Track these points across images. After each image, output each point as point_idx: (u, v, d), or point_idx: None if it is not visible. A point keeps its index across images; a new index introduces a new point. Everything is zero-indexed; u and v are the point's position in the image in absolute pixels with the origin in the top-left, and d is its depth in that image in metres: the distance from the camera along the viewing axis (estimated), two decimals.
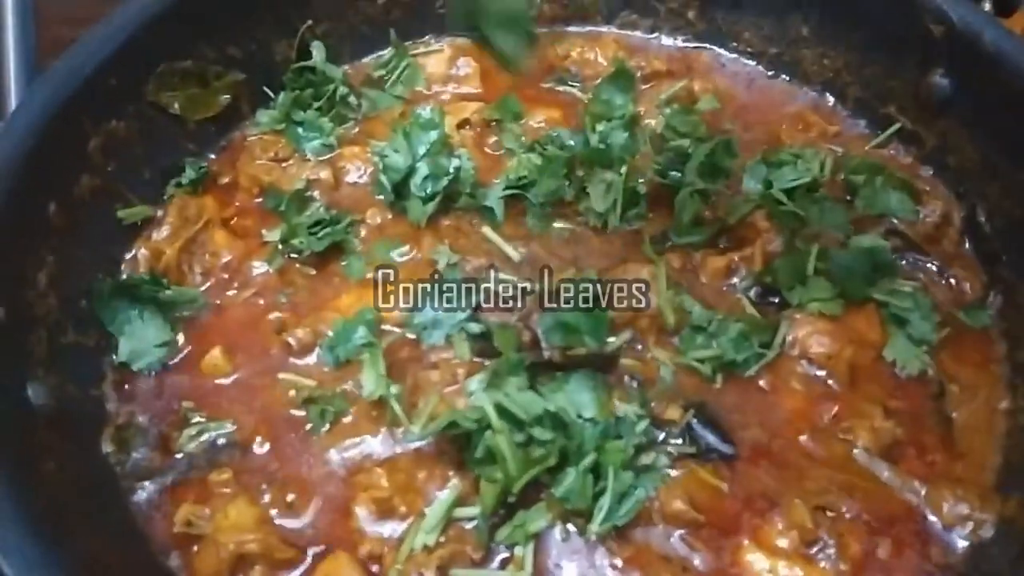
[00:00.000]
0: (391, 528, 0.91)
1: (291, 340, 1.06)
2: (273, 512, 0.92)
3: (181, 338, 1.08)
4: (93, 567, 0.75)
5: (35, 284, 0.98)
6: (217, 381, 1.05)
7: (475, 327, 1.02)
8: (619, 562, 0.89)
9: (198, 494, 0.94)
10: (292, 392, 1.02)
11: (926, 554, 0.90)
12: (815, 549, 0.90)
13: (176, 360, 1.07)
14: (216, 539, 0.88)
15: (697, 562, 0.89)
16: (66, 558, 0.72)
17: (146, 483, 0.95)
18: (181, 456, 0.98)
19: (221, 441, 0.99)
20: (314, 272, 1.15)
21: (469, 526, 0.90)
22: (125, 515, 0.92)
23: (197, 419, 1.00)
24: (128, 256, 1.14)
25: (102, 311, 1.07)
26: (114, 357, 1.05)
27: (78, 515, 0.83)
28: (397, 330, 1.06)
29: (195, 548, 0.90)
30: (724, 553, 0.90)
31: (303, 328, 1.07)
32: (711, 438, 0.97)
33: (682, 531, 0.91)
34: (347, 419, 1.00)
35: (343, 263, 1.15)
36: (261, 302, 1.12)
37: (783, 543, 0.90)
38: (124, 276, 1.13)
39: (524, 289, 1.09)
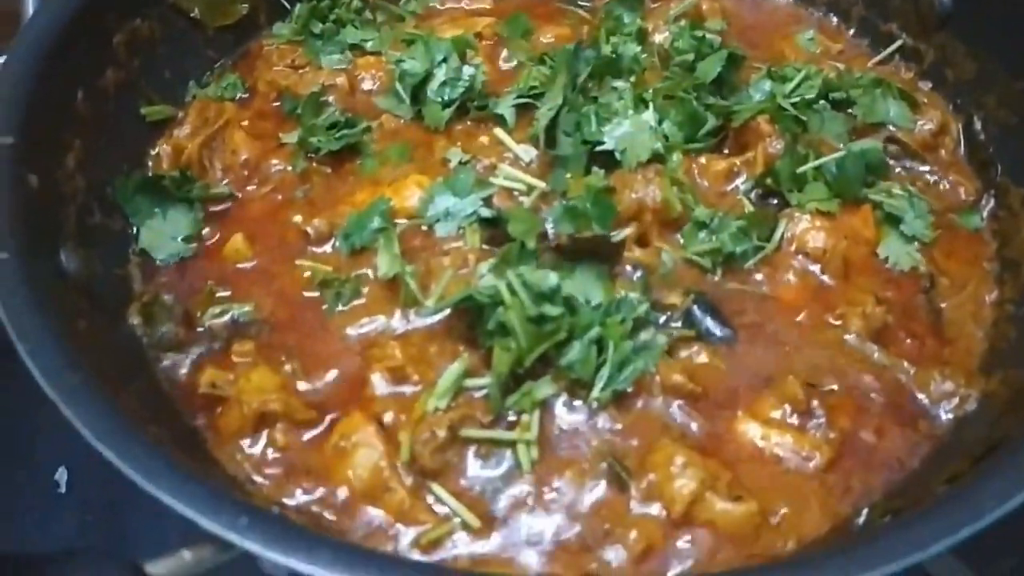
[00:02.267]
0: (404, 393, 0.95)
1: (309, 230, 1.11)
2: (293, 380, 0.97)
3: (205, 231, 1.13)
4: (125, 409, 0.80)
5: (64, 164, 1.03)
6: (238, 266, 1.09)
7: (487, 211, 1.06)
8: (620, 427, 0.94)
9: (221, 364, 0.99)
10: (308, 275, 1.07)
11: (914, 426, 0.95)
12: (806, 421, 0.95)
13: (198, 249, 1.12)
14: (239, 399, 0.93)
15: (695, 428, 0.94)
16: (100, 391, 0.77)
17: (171, 354, 1.00)
18: (204, 331, 1.03)
19: (243, 319, 1.04)
20: (330, 171, 1.19)
21: (478, 395, 0.95)
22: (151, 380, 0.97)
23: (221, 295, 1.05)
24: (153, 152, 1.20)
25: (126, 203, 1.11)
26: (136, 244, 1.10)
27: (109, 371, 0.87)
28: (410, 221, 1.11)
29: (219, 410, 0.95)
30: (719, 422, 0.94)
31: (320, 219, 1.12)
32: (710, 322, 1.02)
33: (680, 402, 0.95)
34: (360, 301, 1.05)
35: (358, 163, 1.20)
36: (279, 197, 1.17)
37: (776, 415, 0.95)
38: (149, 172, 1.18)
39: (534, 187, 1.13)
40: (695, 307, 1.02)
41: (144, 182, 1.13)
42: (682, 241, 1.09)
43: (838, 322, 1.03)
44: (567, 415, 0.95)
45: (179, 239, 1.12)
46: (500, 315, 0.94)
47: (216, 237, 1.13)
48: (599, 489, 0.89)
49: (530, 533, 0.87)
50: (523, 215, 1.04)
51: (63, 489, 1.27)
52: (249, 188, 1.18)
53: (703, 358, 0.99)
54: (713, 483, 0.87)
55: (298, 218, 1.13)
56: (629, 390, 0.95)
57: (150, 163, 1.19)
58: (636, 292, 1.03)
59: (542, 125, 1.17)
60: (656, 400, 0.96)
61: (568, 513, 0.87)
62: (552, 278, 0.93)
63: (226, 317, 1.04)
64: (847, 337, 1.02)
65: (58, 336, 0.79)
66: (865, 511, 0.88)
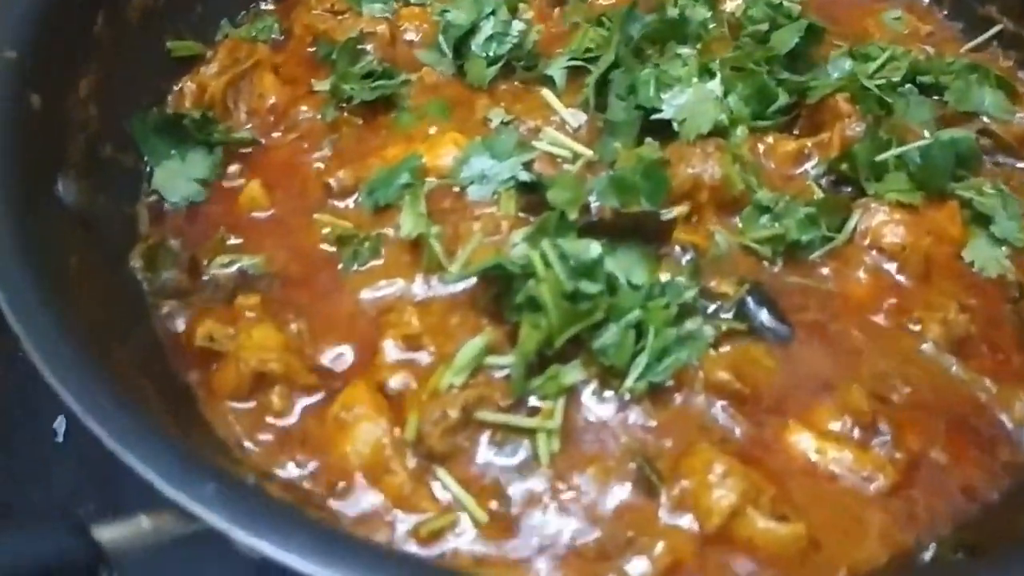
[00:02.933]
0: (418, 366, 0.86)
1: (332, 182, 1.02)
2: (298, 341, 0.88)
3: (222, 175, 1.05)
4: (105, 354, 0.72)
5: (76, 88, 0.95)
6: (253, 214, 1.01)
7: (527, 176, 0.96)
8: (653, 424, 0.83)
9: (222, 317, 0.90)
10: (326, 231, 0.99)
11: (993, 452, 0.83)
12: (869, 437, 0.83)
13: (212, 194, 1.04)
14: (238, 356, 0.85)
15: (738, 433, 0.83)
16: (74, 331, 0.69)
17: (172, 302, 0.93)
18: (209, 279, 0.95)
19: (252, 271, 0.95)
20: (361, 122, 1.10)
21: (498, 375, 0.85)
22: (147, 328, 0.89)
23: (232, 242, 0.97)
24: (175, 88, 1.12)
25: (142, 140, 1.04)
26: (147, 185, 1.03)
27: (96, 313, 0.80)
28: (441, 181, 1.01)
29: (214, 366, 0.87)
30: (767, 429, 0.83)
31: (345, 171, 1.03)
32: (765, 316, 0.91)
33: (724, 402, 0.84)
34: (379, 262, 0.95)
35: (392, 116, 1.11)
36: (305, 146, 1.08)
37: (834, 426, 0.83)
38: (169, 109, 1.11)
39: (580, 155, 1.03)
40: (749, 298, 0.91)
41: (163, 120, 1.06)
42: (740, 225, 0.98)
43: (914, 328, 0.91)
44: (595, 406, 0.84)
45: (194, 182, 1.05)
46: (531, 288, 0.84)
47: (233, 183, 1.05)
48: (624, 491, 0.79)
49: (543, 534, 0.76)
50: (567, 182, 0.94)
51: (60, 439, 1.20)
52: (274, 135, 1.09)
53: (754, 355, 0.88)
54: (756, 497, 0.76)
55: (321, 167, 1.05)
56: (668, 383, 0.84)
57: (171, 100, 1.12)
58: (683, 277, 0.92)
59: (593, 84, 1.06)
60: (697, 397, 0.85)
61: (587, 515, 0.77)
62: (594, 249, 0.83)
63: (234, 268, 0.96)
64: (923, 346, 0.90)
65: (38, 269, 0.71)
66: (932, 545, 0.76)
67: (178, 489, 0.55)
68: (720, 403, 0.85)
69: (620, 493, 0.78)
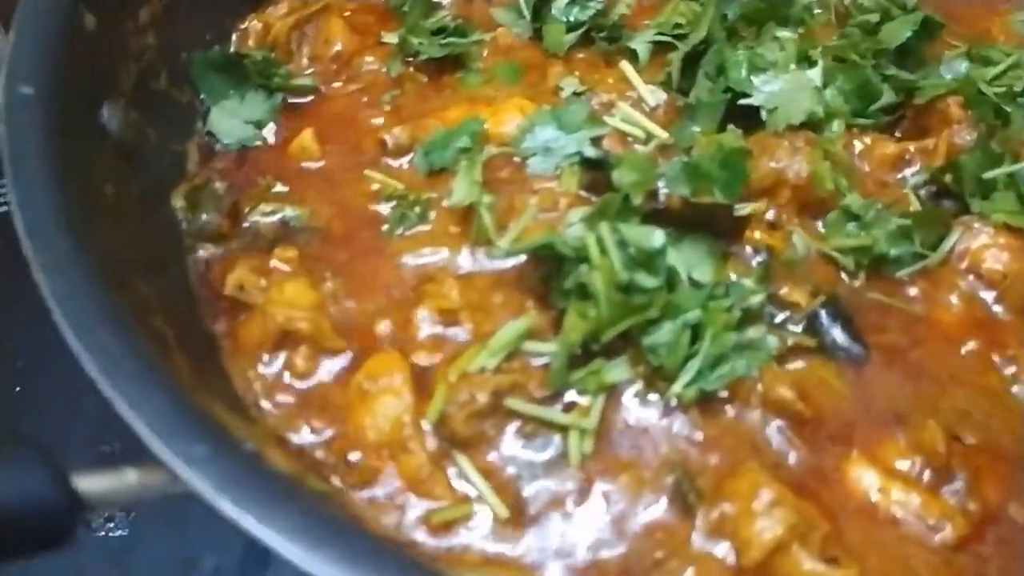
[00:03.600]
0: (451, 342, 0.80)
1: (388, 139, 0.97)
2: (331, 301, 0.84)
3: (275, 124, 1.01)
4: (119, 288, 0.68)
5: (136, 15, 0.91)
6: (303, 164, 0.97)
7: (593, 152, 0.89)
8: (699, 436, 0.76)
9: (258, 267, 0.86)
10: (376, 188, 0.93)
11: None
12: (941, 481, 0.74)
13: (264, 140, 1.00)
14: (266, 309, 0.80)
15: (793, 459, 0.75)
16: (94, 258, 0.65)
17: (208, 245, 0.89)
18: (249, 227, 0.91)
19: (293, 223, 0.91)
20: (426, 80, 1.04)
21: (536, 363, 0.79)
22: (179, 271, 0.86)
23: (277, 190, 0.92)
24: (240, 28, 1.08)
25: (201, 78, 1.00)
26: (201, 124, 0.99)
27: (124, 247, 0.76)
28: (502, 149, 0.95)
29: (242, 318, 0.83)
30: (827, 458, 0.75)
31: (403, 129, 0.97)
32: (838, 334, 0.82)
33: (782, 422, 0.76)
34: (426, 227, 0.90)
35: (458, 76, 1.04)
36: (364, 99, 1.03)
37: (903, 465, 0.74)
38: (232, 48, 1.07)
39: (653, 136, 0.95)
40: (823, 311, 0.82)
41: (224, 60, 1.02)
42: (822, 230, 0.89)
43: (1007, 366, 0.81)
44: (637, 408, 0.77)
45: (250, 126, 1.00)
46: (583, 274, 0.77)
47: (286, 131, 1.00)
48: (658, 507, 0.72)
49: (562, 540, 0.70)
50: (636, 163, 0.86)
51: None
52: (334, 84, 1.04)
53: (821, 375, 0.79)
54: (805, 533, 0.68)
55: (378, 122, 0.99)
56: (721, 394, 0.77)
57: (235, 40, 1.07)
58: (751, 280, 0.84)
59: (678, 61, 0.98)
60: (752, 413, 0.77)
61: (614, 527, 0.71)
62: (657, 238, 0.76)
63: (276, 217, 0.91)
64: (1014, 388, 0.80)
65: (66, 190, 0.68)
66: None
67: (165, 445, 0.51)
68: (777, 423, 0.76)
69: (653, 508, 0.71)
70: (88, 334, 0.56)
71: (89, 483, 0.53)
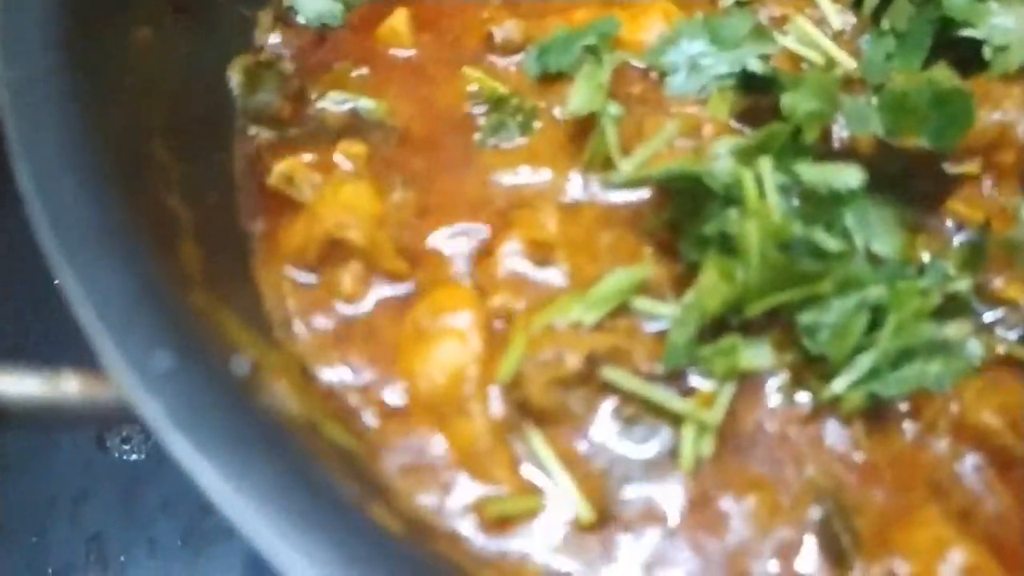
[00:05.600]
0: (539, 285, 0.62)
1: (496, 32, 0.78)
2: (397, 213, 0.66)
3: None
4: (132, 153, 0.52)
5: None
6: (391, 52, 0.79)
7: (761, 67, 0.68)
8: (858, 458, 0.55)
9: (316, 162, 0.70)
10: (472, 89, 0.75)
11: None
12: None
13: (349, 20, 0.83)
14: (315, 211, 0.64)
15: (992, 508, 0.53)
16: (102, 107, 0.48)
17: (263, 127, 0.73)
18: (313, 115, 0.74)
19: (366, 116, 0.74)
20: None
21: (649, 327, 0.60)
22: (220, 151, 0.70)
23: (356, 74, 0.75)
24: None
25: None
26: None
27: (153, 108, 0.60)
28: (635, 61, 0.75)
29: (285, 219, 0.66)
30: None
31: (516, 23, 0.79)
32: None
33: (980, 458, 0.55)
34: (526, 141, 0.71)
35: None
36: None
37: None
38: None
39: (836, 63, 0.74)
40: None
41: None
42: None
43: None
44: (779, 408, 0.57)
45: (337, 2, 0.84)
46: (731, 221, 0.57)
47: (376, 10, 0.83)
48: (797, 546, 0.52)
49: (655, 569, 0.51)
50: (819, 86, 0.64)
51: None
52: None
53: None
54: None
55: (488, 15, 0.81)
56: (900, 406, 0.56)
57: None
58: (950, 262, 0.63)
59: None
60: (939, 440, 0.56)
61: (731, 565, 0.51)
62: (853, 177, 0.55)
63: (346, 106, 0.74)
64: None
65: (87, 35, 0.52)
66: None
67: (110, 339, 0.34)
68: (973, 457, 0.55)
69: (789, 547, 0.51)
70: (45, 176, 0.40)
71: (12, 387, 0.37)
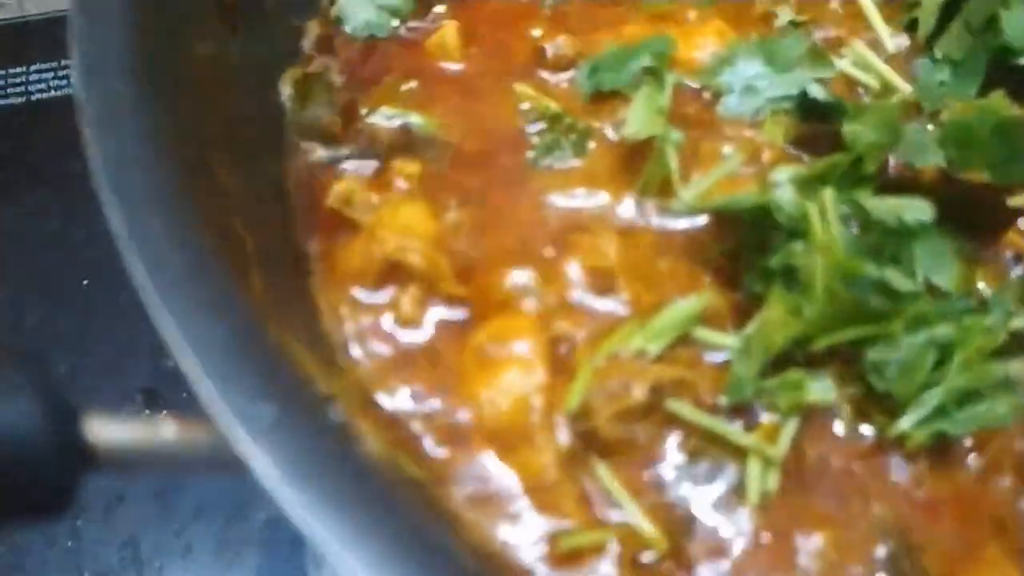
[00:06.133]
0: (599, 313, 0.62)
1: (548, 48, 0.77)
2: (454, 235, 0.66)
3: (416, 11, 0.83)
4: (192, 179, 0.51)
5: None
6: (440, 65, 0.78)
7: (820, 93, 0.68)
8: (921, 496, 0.55)
9: (371, 181, 0.69)
10: (525, 107, 0.75)
11: None
12: None
13: (398, 32, 0.82)
14: (375, 233, 0.63)
15: None
16: (161, 124, 0.48)
17: (315, 144, 0.72)
18: (363, 129, 0.74)
19: (417, 132, 0.73)
20: None
21: (711, 358, 0.60)
22: (275, 167, 0.69)
23: (405, 87, 0.75)
24: None
25: None
26: (329, 1, 0.82)
27: (208, 122, 0.59)
28: (688, 81, 0.75)
29: (343, 239, 0.66)
30: None
31: (568, 39, 0.78)
32: None
33: None
34: (580, 163, 0.71)
35: None
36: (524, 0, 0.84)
37: None
38: None
39: (893, 89, 0.74)
40: None
41: None
42: None
43: None
44: (842, 441, 0.58)
45: (384, 12, 0.83)
46: (798, 254, 0.57)
47: (426, 23, 0.82)
48: None
49: None
50: (882, 116, 0.64)
51: None
52: None
53: None
54: None
55: (539, 32, 0.80)
56: (966, 443, 0.56)
57: None
58: (1009, 296, 0.63)
59: (934, 2, 0.76)
60: (1002, 480, 0.56)
61: None
62: (924, 211, 0.55)
63: (397, 122, 0.74)
64: None
65: (140, 28, 0.51)
66: None
67: (220, 395, 0.34)
68: None
69: None
70: (134, 214, 0.40)
71: (105, 431, 0.37)
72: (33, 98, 1.01)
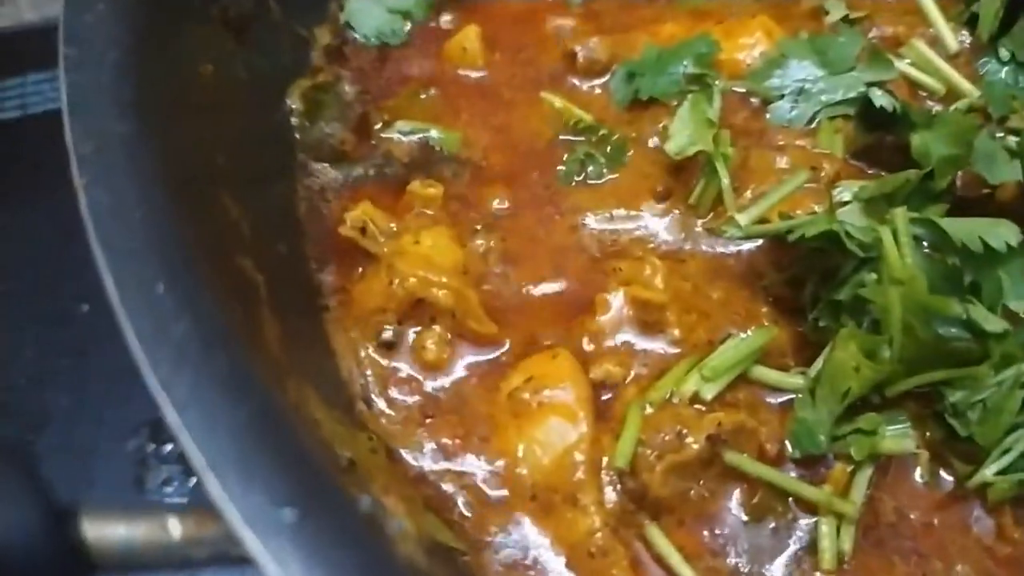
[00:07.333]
0: (648, 353, 0.56)
1: (579, 52, 0.71)
2: (483, 265, 0.60)
3: (430, 15, 0.77)
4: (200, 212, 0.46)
5: None
6: (460, 72, 0.72)
7: (884, 100, 0.61)
8: (1004, 551, 0.50)
9: (386, 204, 0.64)
10: (555, 117, 0.69)
11: None
12: None
13: (413, 37, 0.76)
14: (394, 265, 0.57)
15: None
16: (162, 159, 0.42)
17: (326, 166, 0.66)
18: (378, 146, 0.68)
19: (440, 148, 0.68)
20: None
21: (772, 398, 0.54)
22: (284, 192, 0.63)
23: (424, 96, 0.69)
24: None
25: None
26: (338, 8, 0.76)
27: (217, 146, 0.54)
28: (734, 86, 0.68)
29: (360, 270, 0.60)
30: None
31: (600, 41, 0.72)
32: None
33: None
34: (616, 177, 0.65)
35: None
36: None
37: None
38: None
39: (958, 92, 0.67)
40: None
41: None
42: None
43: None
44: (919, 490, 0.52)
45: (396, 15, 0.77)
46: (870, 288, 0.51)
47: (445, 26, 0.76)
48: None
49: None
50: (956, 127, 0.58)
51: None
52: None
53: None
54: None
55: (566, 32, 0.74)
56: None
57: None
58: None
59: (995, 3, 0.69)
60: None
61: None
62: (1012, 233, 0.49)
63: (415, 137, 0.68)
64: None
65: (139, 54, 0.45)
66: None
67: (231, 500, 0.29)
68: None
69: None
70: (127, 275, 0.34)
71: (102, 531, 0.32)
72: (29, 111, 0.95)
